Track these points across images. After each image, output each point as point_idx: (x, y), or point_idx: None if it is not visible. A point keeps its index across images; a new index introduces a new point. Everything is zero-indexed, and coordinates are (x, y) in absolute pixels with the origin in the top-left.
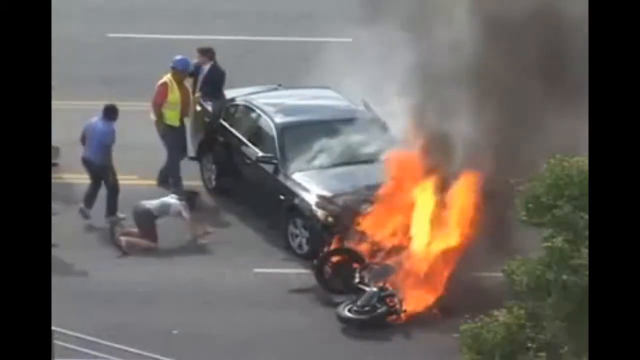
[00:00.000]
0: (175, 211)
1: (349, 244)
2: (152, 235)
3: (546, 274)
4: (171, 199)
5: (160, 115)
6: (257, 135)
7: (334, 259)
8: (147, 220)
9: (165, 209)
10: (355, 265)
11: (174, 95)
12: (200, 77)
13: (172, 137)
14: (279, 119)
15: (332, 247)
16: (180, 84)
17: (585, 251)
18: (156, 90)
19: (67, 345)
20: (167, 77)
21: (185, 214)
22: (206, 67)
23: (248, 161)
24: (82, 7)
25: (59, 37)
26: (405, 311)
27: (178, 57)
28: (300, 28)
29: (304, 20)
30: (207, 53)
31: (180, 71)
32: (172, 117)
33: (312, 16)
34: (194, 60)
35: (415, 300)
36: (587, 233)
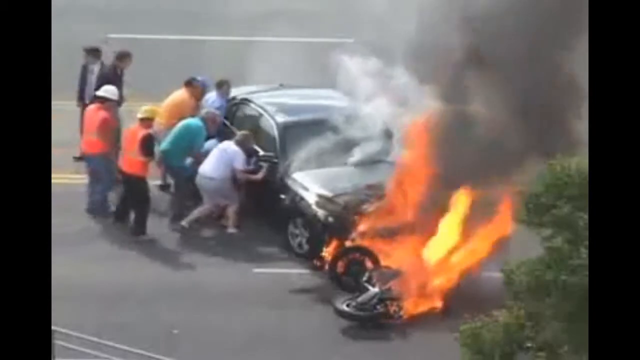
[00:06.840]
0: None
1: (366, 244)
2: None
3: (546, 274)
4: None
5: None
6: (258, 135)
7: (350, 256)
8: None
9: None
10: (369, 265)
11: None
12: (93, 78)
13: None
14: (280, 118)
15: (350, 244)
16: None
17: (584, 251)
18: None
19: (68, 345)
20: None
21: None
22: (95, 67)
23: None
24: (82, 7)
25: (59, 37)
26: (402, 317)
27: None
28: (304, 28)
29: (307, 20)
30: (94, 52)
31: None
32: None
33: (318, 16)
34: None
35: (417, 306)
36: (586, 233)
